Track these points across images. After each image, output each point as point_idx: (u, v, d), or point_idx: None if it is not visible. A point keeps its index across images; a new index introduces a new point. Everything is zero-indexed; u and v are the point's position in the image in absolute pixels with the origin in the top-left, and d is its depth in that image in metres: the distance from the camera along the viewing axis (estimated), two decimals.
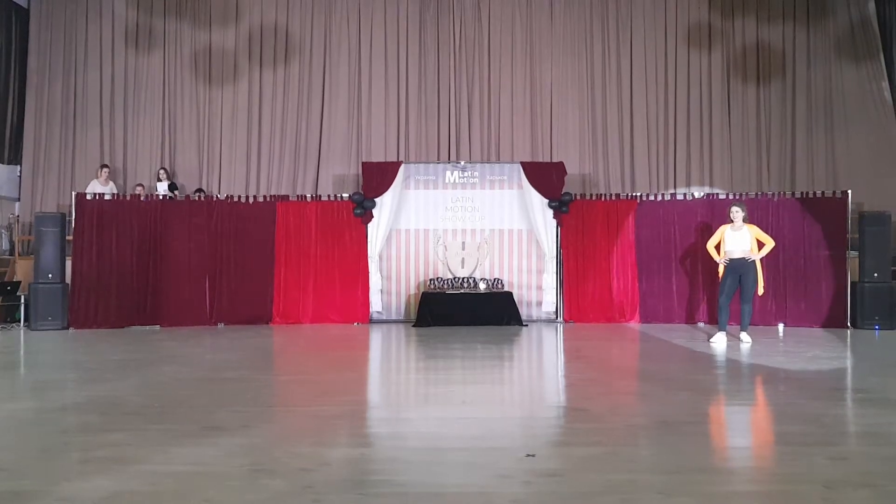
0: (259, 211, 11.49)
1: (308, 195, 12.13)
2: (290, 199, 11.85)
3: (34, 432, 4.33)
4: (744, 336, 8.82)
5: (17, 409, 5.11)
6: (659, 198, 11.76)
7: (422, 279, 11.71)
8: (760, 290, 8.95)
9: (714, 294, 11.04)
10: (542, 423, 4.79)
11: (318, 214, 11.54)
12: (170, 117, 13.55)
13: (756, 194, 11.59)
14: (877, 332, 10.08)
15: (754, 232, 8.92)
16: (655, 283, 11.32)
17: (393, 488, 3.25)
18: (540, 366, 7.83)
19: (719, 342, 8.65)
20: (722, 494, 3.17)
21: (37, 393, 5.75)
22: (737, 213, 8.95)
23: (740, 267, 8.80)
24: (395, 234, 11.78)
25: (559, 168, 11.79)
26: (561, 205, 11.48)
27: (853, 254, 10.73)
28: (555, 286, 11.60)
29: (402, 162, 12.12)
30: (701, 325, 10.97)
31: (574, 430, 4.48)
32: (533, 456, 3.73)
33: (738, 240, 8.87)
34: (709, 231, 10.92)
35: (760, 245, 8.93)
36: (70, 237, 10.94)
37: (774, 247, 9.13)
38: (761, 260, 8.93)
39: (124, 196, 11.66)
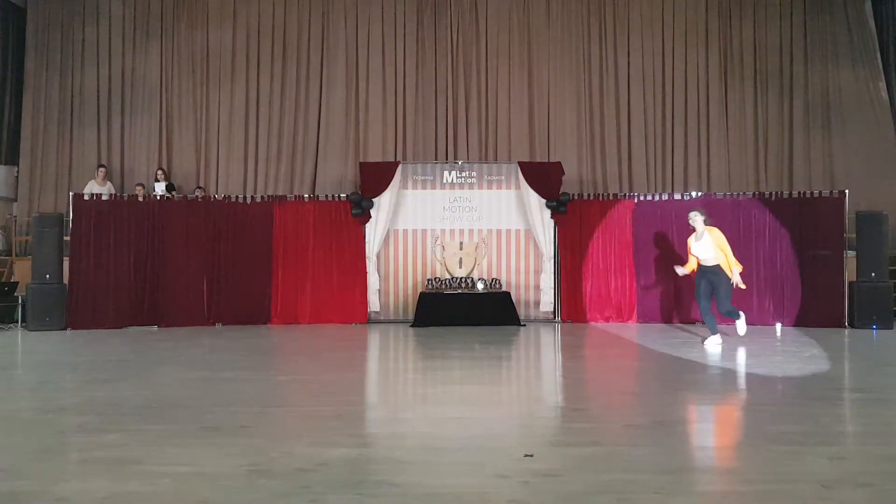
0: (257, 211, 11.49)
1: (306, 195, 12.13)
2: (288, 199, 11.84)
3: (32, 433, 4.32)
4: (741, 325, 8.59)
5: (16, 409, 5.11)
6: (656, 198, 11.77)
7: (420, 279, 11.71)
8: (742, 285, 8.44)
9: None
10: (539, 422, 4.79)
11: (315, 215, 11.53)
12: (167, 118, 13.54)
13: (753, 194, 11.60)
14: (874, 331, 10.09)
15: (715, 238, 8.36)
16: (653, 282, 11.33)
17: (391, 488, 3.25)
18: (538, 366, 7.83)
19: (713, 345, 8.43)
20: (719, 494, 3.17)
21: (35, 393, 5.75)
22: (695, 218, 8.46)
23: (711, 274, 8.38)
24: (392, 235, 11.78)
25: (557, 168, 11.80)
26: (559, 205, 11.49)
27: (851, 253, 10.74)
28: (552, 286, 11.60)
29: (399, 162, 12.12)
30: (698, 324, 10.98)
31: (572, 429, 4.48)
32: (531, 456, 3.73)
33: (703, 248, 8.39)
34: None
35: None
36: (68, 237, 10.92)
37: (734, 256, 8.54)
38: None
39: (122, 196, 11.65)
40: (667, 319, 11.18)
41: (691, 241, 8.57)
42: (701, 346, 8.35)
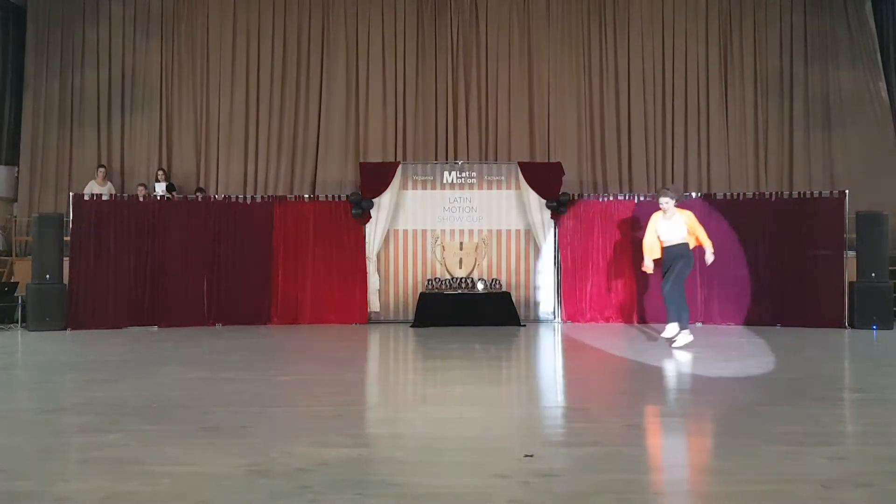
0: (257, 211, 11.49)
1: (306, 195, 12.13)
2: (288, 199, 11.85)
3: (32, 433, 4.32)
4: (671, 329, 8.16)
5: (16, 409, 5.10)
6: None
7: (420, 279, 11.70)
8: (711, 257, 8.20)
9: (711, 294, 11.07)
10: (539, 422, 4.79)
11: (315, 215, 11.53)
12: (167, 118, 13.54)
13: (753, 194, 11.60)
14: (875, 332, 10.09)
15: (686, 218, 8.23)
16: (653, 283, 11.30)
17: (391, 489, 3.24)
18: (538, 366, 7.83)
19: (684, 341, 8.08)
20: (720, 494, 3.17)
21: (35, 393, 5.75)
22: (667, 202, 8.20)
23: (677, 255, 8.12)
24: (392, 235, 11.78)
25: (557, 168, 11.80)
26: (559, 205, 11.48)
27: (851, 254, 10.73)
28: (553, 286, 11.60)
29: (399, 162, 12.12)
30: (699, 324, 10.98)
31: (572, 430, 4.48)
32: (531, 456, 3.73)
33: (673, 227, 8.17)
34: (706, 230, 10.89)
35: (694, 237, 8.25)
36: (68, 238, 10.91)
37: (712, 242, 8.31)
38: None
39: (122, 196, 11.65)
40: (667, 319, 11.13)
41: (657, 218, 8.27)
42: (701, 346, 8.29)
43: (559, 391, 6.09)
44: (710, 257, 8.20)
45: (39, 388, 6.04)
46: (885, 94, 13.24)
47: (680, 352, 7.86)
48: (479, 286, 11.37)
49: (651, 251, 8.35)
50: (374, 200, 11.52)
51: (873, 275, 10.36)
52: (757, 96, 13.52)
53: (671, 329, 8.17)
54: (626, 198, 11.85)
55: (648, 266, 8.37)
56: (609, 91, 13.57)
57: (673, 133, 13.54)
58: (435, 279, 11.54)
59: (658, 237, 8.26)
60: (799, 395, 5.44)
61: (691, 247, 8.23)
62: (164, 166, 13.05)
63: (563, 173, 11.76)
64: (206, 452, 3.82)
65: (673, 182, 13.35)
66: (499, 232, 11.85)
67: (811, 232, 10.81)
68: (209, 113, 13.51)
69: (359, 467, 3.59)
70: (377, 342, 9.42)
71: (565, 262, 11.52)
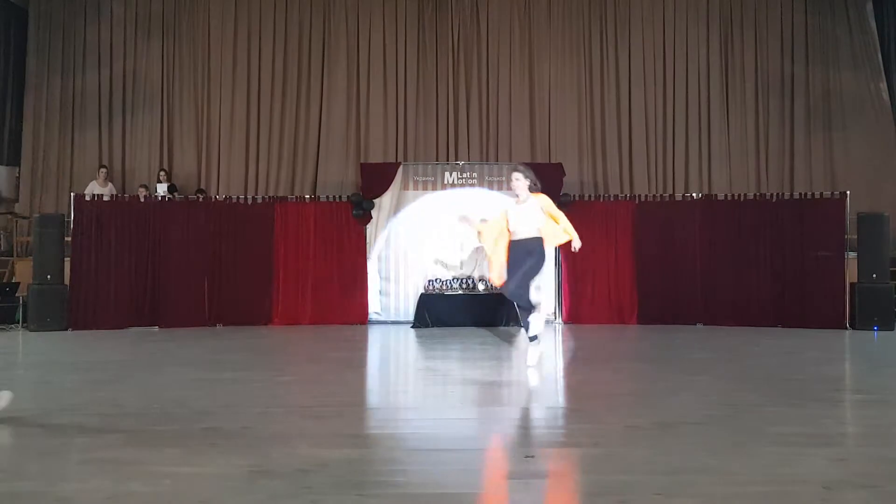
0: (258, 212, 11.50)
1: (307, 196, 12.14)
2: (289, 199, 11.86)
3: (33, 433, 4.32)
4: (535, 324, 6.59)
5: (16, 410, 5.10)
6: (657, 199, 11.77)
7: (420, 280, 11.70)
8: (578, 244, 6.78)
9: (712, 295, 11.05)
10: (539, 423, 4.79)
11: (316, 215, 11.55)
12: (168, 118, 13.55)
13: (754, 195, 11.61)
14: (875, 333, 10.09)
15: (544, 204, 6.70)
16: (654, 284, 11.32)
17: (391, 489, 3.24)
18: (538, 366, 7.82)
19: (535, 356, 6.73)
20: (721, 495, 3.16)
21: (35, 394, 5.74)
22: (518, 180, 6.63)
23: (529, 251, 6.55)
24: (393, 235, 11.78)
25: (557, 169, 11.80)
26: (559, 206, 11.44)
27: (852, 255, 10.73)
28: (553, 287, 11.59)
29: (400, 163, 12.14)
30: (699, 325, 10.98)
31: (572, 430, 4.48)
32: (532, 457, 3.73)
33: (526, 216, 6.63)
34: (707, 231, 10.95)
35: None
36: (69, 238, 10.92)
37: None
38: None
39: (123, 197, 11.66)
40: (667, 321, 11.16)
41: (508, 211, 6.77)
42: (703, 346, 8.28)
43: (559, 392, 6.09)
44: (577, 243, 6.74)
45: (40, 388, 6.03)
46: (885, 94, 13.24)
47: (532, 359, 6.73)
48: (480, 287, 11.36)
49: (496, 252, 6.77)
50: (374, 201, 11.53)
51: (874, 276, 10.36)
52: (758, 97, 13.52)
53: (535, 325, 6.58)
54: (627, 198, 11.86)
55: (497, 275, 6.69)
56: (610, 91, 13.58)
57: (674, 134, 13.54)
58: (436, 279, 11.54)
59: (507, 229, 6.71)
60: (800, 395, 5.43)
61: (554, 241, 6.80)
62: (166, 167, 13.06)
63: (564, 174, 11.77)
64: (207, 453, 3.82)
65: (674, 182, 13.34)
66: None
67: (812, 233, 10.81)
68: (210, 113, 13.52)
69: (360, 468, 3.59)
70: (378, 342, 9.42)
71: (565, 263, 11.52)
